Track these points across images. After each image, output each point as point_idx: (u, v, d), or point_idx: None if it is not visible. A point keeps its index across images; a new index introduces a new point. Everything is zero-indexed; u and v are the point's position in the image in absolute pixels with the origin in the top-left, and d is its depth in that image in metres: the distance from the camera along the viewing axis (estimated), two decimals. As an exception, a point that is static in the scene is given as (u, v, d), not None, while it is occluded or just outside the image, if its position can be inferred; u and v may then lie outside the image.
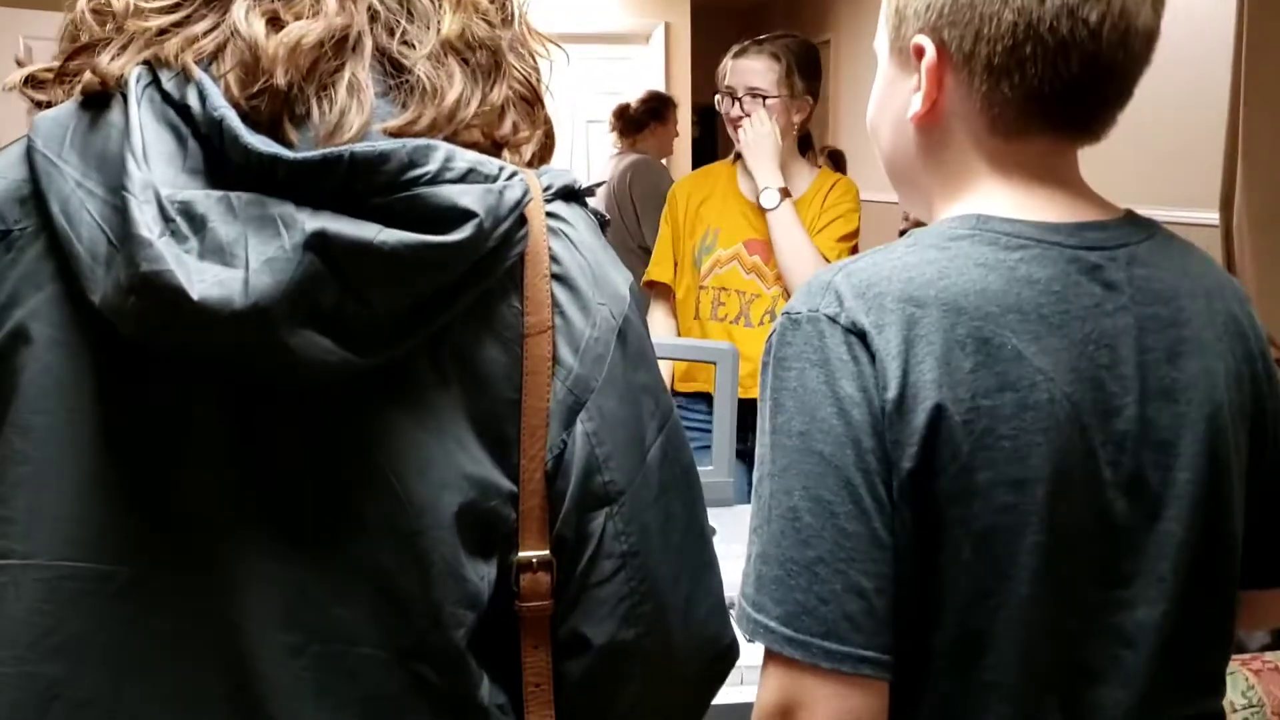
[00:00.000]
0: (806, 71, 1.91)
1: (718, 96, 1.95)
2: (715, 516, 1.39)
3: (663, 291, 2.09)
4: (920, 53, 0.69)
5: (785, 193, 1.85)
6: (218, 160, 0.53)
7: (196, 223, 0.51)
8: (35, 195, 0.54)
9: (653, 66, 5.35)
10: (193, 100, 0.53)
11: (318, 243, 0.50)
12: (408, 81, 0.57)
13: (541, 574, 0.58)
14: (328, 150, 0.51)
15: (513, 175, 0.55)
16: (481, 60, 0.59)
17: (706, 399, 1.93)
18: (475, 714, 0.58)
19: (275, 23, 0.55)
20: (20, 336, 0.54)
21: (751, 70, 1.89)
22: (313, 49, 0.54)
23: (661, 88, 4.78)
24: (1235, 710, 1.47)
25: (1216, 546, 0.71)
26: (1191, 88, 2.33)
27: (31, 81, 0.58)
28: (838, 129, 5.49)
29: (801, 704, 0.63)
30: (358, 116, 0.54)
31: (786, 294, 1.88)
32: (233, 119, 0.52)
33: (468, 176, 0.53)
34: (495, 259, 0.55)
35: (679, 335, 2.03)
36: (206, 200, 0.51)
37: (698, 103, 5.20)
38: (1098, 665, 0.69)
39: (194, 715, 0.56)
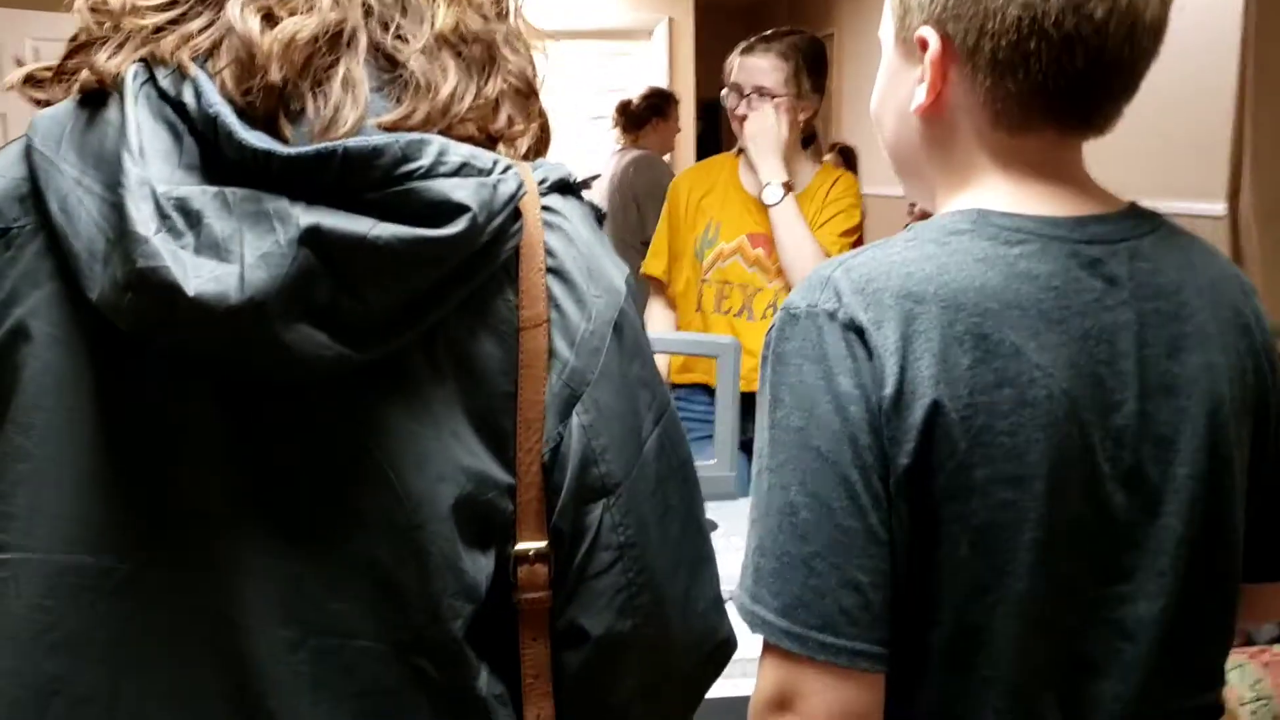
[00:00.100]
0: (814, 70, 1.90)
1: (724, 91, 1.94)
2: (718, 510, 1.40)
3: (659, 285, 2.09)
4: (924, 45, 0.69)
5: (788, 187, 1.84)
6: (214, 156, 0.53)
7: (192, 218, 0.51)
8: (34, 193, 0.54)
9: (656, 62, 5.34)
10: (188, 97, 0.53)
11: (312, 237, 0.50)
12: (402, 76, 0.57)
13: (539, 566, 0.58)
14: (321, 145, 0.52)
15: (507, 169, 0.55)
16: (476, 54, 0.59)
17: (705, 390, 1.93)
18: (473, 706, 0.59)
19: (270, 19, 0.55)
20: (20, 334, 0.55)
21: (759, 69, 1.88)
22: (307, 44, 0.54)
23: (665, 84, 4.78)
24: (1244, 703, 1.46)
25: (1217, 541, 0.70)
26: (1199, 78, 2.31)
27: (31, 81, 0.58)
28: (841, 123, 5.47)
29: (797, 695, 0.64)
30: (352, 111, 0.54)
31: (789, 288, 1.88)
32: (227, 115, 0.52)
33: (461, 170, 0.53)
34: (490, 253, 0.55)
35: (679, 328, 2.03)
36: (202, 196, 0.51)
37: (702, 98, 5.19)
38: (1097, 659, 0.69)
39: (192, 711, 0.56)
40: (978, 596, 0.65)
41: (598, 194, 3.67)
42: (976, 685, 0.66)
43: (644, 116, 3.84)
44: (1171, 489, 0.68)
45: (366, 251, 0.51)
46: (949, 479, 0.63)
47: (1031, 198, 0.69)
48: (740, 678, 1.00)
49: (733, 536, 0.89)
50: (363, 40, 0.56)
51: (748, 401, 1.57)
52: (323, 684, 0.56)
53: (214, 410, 0.55)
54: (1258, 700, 1.47)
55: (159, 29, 0.56)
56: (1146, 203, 0.74)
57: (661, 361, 1.94)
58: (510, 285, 0.57)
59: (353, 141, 0.52)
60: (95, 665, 0.55)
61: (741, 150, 1.96)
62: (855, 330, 0.64)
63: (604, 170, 3.81)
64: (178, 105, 0.53)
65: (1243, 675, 1.49)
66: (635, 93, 3.97)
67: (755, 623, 0.65)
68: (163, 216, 0.50)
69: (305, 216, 0.51)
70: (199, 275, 0.50)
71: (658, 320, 2.08)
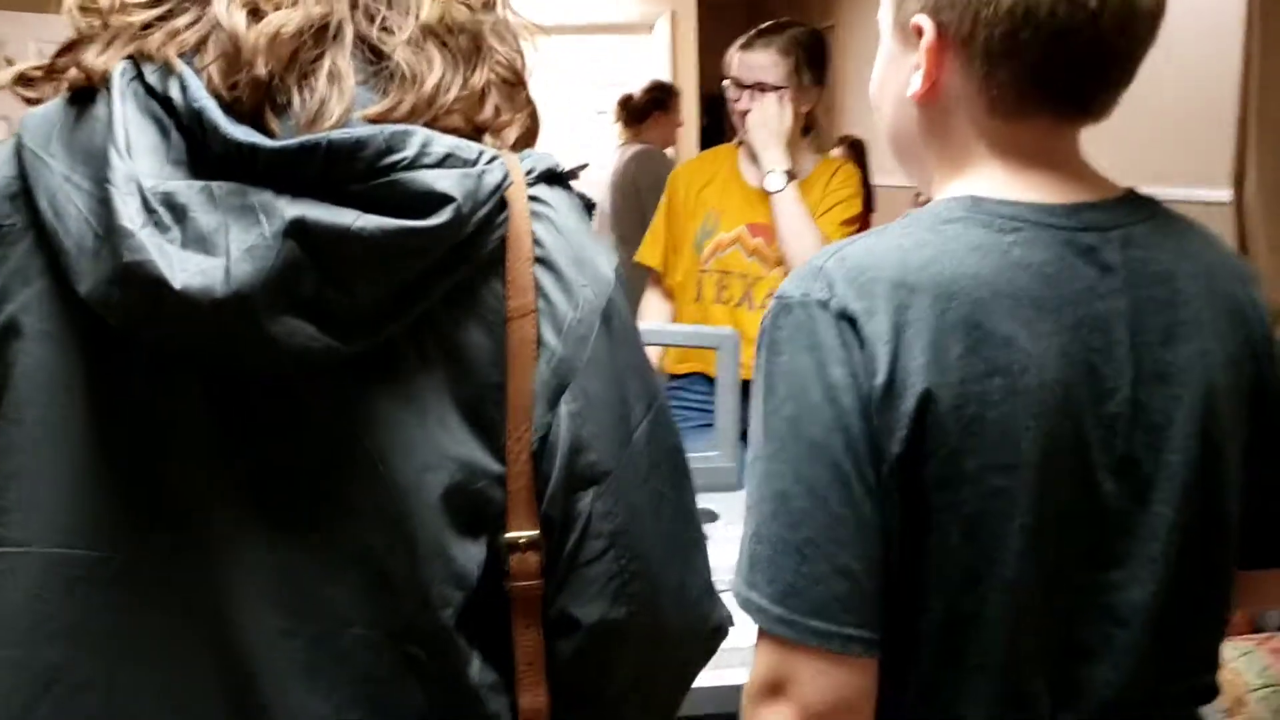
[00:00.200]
0: (814, 63, 1.90)
1: (725, 82, 1.94)
2: (720, 501, 1.39)
3: (655, 276, 2.09)
4: (919, 32, 0.69)
5: (791, 175, 1.84)
6: (200, 151, 0.53)
7: (178, 213, 0.51)
8: (24, 191, 0.55)
9: (658, 57, 5.32)
10: (174, 92, 0.53)
11: (297, 230, 0.51)
12: (387, 68, 0.57)
13: (530, 554, 0.58)
14: (305, 138, 0.52)
15: (492, 159, 0.55)
16: (462, 44, 0.59)
17: (703, 379, 1.93)
18: (465, 694, 0.59)
19: (256, 14, 0.55)
20: (11, 331, 0.55)
21: (759, 65, 1.88)
22: (292, 38, 0.54)
23: (667, 78, 4.76)
24: (1253, 689, 1.46)
25: (1209, 527, 0.70)
26: (1202, 63, 2.30)
27: (22, 79, 0.58)
28: (842, 114, 5.45)
29: (791, 680, 0.64)
30: (338, 104, 0.54)
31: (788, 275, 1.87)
32: (212, 109, 0.52)
33: (446, 161, 0.53)
34: (475, 243, 0.55)
35: (676, 319, 2.02)
36: (188, 190, 0.52)
37: (705, 92, 5.17)
38: (1090, 645, 0.69)
39: (188, 700, 0.57)
40: (969, 584, 0.65)
41: (600, 188, 3.67)
42: (967, 671, 0.66)
43: (645, 110, 3.83)
44: (1163, 476, 0.68)
45: (351, 243, 0.51)
46: (940, 467, 0.63)
47: (1026, 184, 0.69)
48: (740, 667, 1.01)
49: (733, 526, 0.89)
50: (348, 33, 0.56)
51: (747, 389, 1.57)
52: (316, 672, 0.57)
53: (203, 403, 0.55)
54: (1266, 687, 1.46)
55: (147, 26, 0.56)
56: (1151, 189, 0.74)
57: (655, 351, 1.93)
58: (498, 275, 0.57)
59: (336, 133, 0.52)
60: (92, 654, 0.56)
61: (741, 142, 1.95)
62: (847, 319, 0.64)
63: (607, 165, 3.81)
64: (164, 101, 0.54)
65: (1250, 662, 1.48)
66: (638, 87, 3.96)
67: (750, 609, 0.65)
68: (149, 211, 0.51)
69: (290, 209, 0.51)
70: (185, 269, 0.50)
71: (654, 311, 2.08)
